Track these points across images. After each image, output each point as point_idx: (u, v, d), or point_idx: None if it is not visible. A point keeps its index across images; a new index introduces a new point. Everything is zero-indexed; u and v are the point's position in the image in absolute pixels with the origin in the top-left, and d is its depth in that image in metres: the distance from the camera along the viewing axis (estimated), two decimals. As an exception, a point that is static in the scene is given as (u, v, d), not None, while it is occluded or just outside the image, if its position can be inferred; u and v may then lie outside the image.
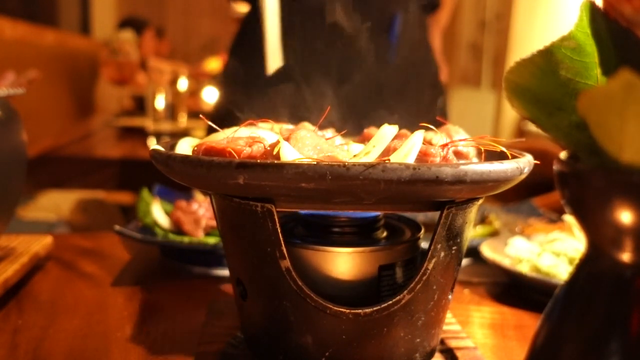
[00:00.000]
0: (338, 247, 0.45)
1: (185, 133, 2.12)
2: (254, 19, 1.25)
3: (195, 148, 0.45)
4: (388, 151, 0.44)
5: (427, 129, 0.49)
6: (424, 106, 0.69)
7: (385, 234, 0.50)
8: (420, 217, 0.82)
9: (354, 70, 0.75)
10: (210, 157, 0.41)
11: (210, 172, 0.40)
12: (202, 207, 0.81)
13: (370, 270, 0.45)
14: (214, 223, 0.78)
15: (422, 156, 0.43)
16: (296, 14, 1.12)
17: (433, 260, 0.43)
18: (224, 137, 0.46)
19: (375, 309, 0.42)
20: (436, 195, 0.40)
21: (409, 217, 0.54)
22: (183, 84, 2.29)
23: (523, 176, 0.43)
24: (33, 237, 0.79)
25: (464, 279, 0.76)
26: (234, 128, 0.50)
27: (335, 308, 0.42)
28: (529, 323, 0.64)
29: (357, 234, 0.48)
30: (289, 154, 0.41)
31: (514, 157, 0.45)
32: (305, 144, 0.43)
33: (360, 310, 0.42)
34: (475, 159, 0.50)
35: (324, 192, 0.38)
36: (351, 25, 1.17)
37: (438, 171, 0.37)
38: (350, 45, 1.13)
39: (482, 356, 0.51)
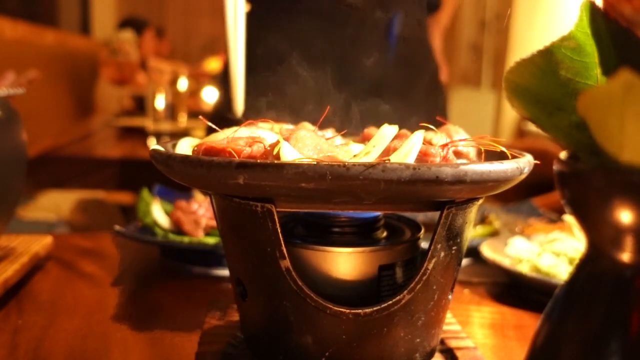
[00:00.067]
0: (338, 247, 0.45)
1: (185, 133, 2.12)
2: (254, 19, 1.25)
3: (195, 148, 0.45)
4: (388, 151, 0.44)
5: (427, 129, 0.49)
6: (424, 106, 0.69)
7: (385, 234, 0.50)
8: (420, 217, 0.82)
9: (354, 70, 0.75)
10: (210, 157, 0.41)
11: (210, 172, 0.40)
12: (202, 207, 0.81)
13: (370, 270, 0.45)
14: (214, 223, 0.78)
15: (422, 156, 0.43)
16: (296, 14, 1.12)
17: (433, 260, 0.43)
18: (224, 137, 0.46)
19: (375, 309, 0.42)
20: (436, 195, 0.40)
21: (409, 217, 0.54)
22: (183, 84, 2.29)
23: (523, 176, 0.43)
24: (33, 237, 0.79)
25: (464, 279, 0.76)
26: (234, 128, 0.50)
27: (335, 308, 0.42)
28: (529, 323, 0.64)
29: (357, 234, 0.48)
30: (289, 154, 0.41)
31: (514, 157, 0.45)
32: (305, 144, 0.43)
33: (360, 310, 0.42)
34: (475, 159, 0.50)
35: (324, 192, 0.38)
36: (351, 24, 1.17)
37: (438, 171, 0.37)
38: (350, 45, 1.13)
39: (482, 356, 0.51)
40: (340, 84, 0.71)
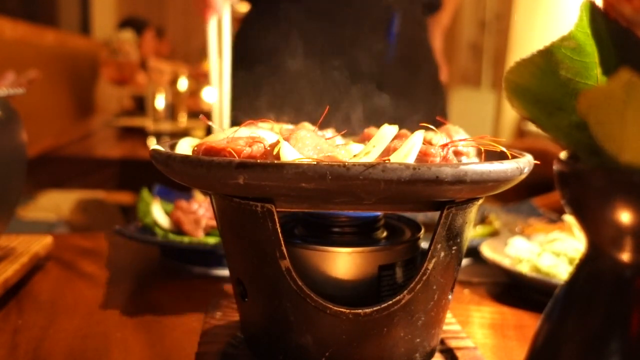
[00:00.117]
0: (338, 247, 0.45)
1: (185, 133, 2.12)
2: (254, 19, 1.25)
3: (195, 148, 0.45)
4: (388, 151, 0.44)
5: (427, 129, 0.49)
6: (423, 106, 0.69)
7: (385, 234, 0.50)
8: (420, 217, 0.82)
9: (354, 70, 0.75)
10: (210, 157, 0.41)
11: (210, 172, 0.40)
12: (202, 207, 0.81)
13: (370, 270, 0.45)
14: (214, 223, 0.78)
15: (422, 156, 0.43)
16: (296, 14, 1.12)
17: (433, 260, 0.43)
18: (224, 137, 0.46)
19: (375, 309, 0.42)
20: (436, 195, 0.40)
21: (409, 217, 0.54)
22: (183, 84, 2.30)
23: (523, 176, 0.43)
24: (33, 237, 0.79)
25: (464, 279, 0.76)
26: (234, 128, 0.50)
27: (335, 308, 0.42)
28: (529, 323, 0.64)
29: (357, 234, 0.48)
30: (289, 154, 0.41)
31: (514, 157, 0.45)
32: (305, 144, 0.43)
33: (360, 310, 0.42)
34: (475, 159, 0.50)
35: (324, 192, 0.38)
36: (350, 24, 1.17)
37: (438, 171, 0.37)
38: (350, 45, 1.13)
39: (482, 356, 0.51)
40: (340, 83, 0.71)
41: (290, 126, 0.56)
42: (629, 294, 0.26)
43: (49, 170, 1.77)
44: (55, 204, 1.95)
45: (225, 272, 0.75)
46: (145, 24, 3.57)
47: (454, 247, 0.44)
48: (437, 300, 0.45)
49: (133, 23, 3.48)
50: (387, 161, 0.38)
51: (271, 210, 0.41)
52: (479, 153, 0.50)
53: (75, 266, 0.78)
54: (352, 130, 0.57)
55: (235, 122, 0.95)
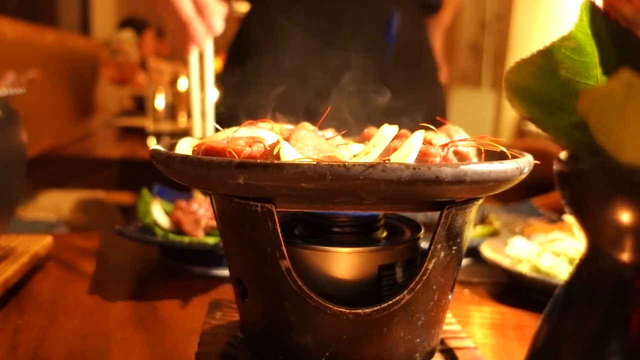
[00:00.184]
0: (338, 247, 0.45)
1: (185, 133, 2.12)
2: (254, 19, 1.25)
3: (195, 148, 0.45)
4: (388, 151, 0.44)
5: (427, 129, 0.49)
6: (423, 106, 0.69)
7: (385, 234, 0.50)
8: (420, 217, 0.82)
9: (354, 69, 0.75)
10: (210, 157, 0.41)
11: (210, 172, 0.40)
12: (202, 207, 0.81)
13: (370, 270, 0.45)
14: (214, 223, 0.78)
15: (422, 156, 0.43)
16: (295, 14, 1.12)
17: (433, 260, 0.43)
18: (224, 137, 0.46)
19: (375, 309, 0.42)
20: (436, 195, 0.40)
21: (409, 217, 0.54)
22: (183, 84, 2.29)
23: (523, 176, 0.43)
24: (33, 237, 0.79)
25: (464, 279, 0.76)
26: (234, 128, 0.50)
27: (335, 308, 0.42)
28: (529, 323, 0.64)
29: (357, 234, 0.48)
30: (289, 154, 0.41)
31: (514, 157, 0.45)
32: (305, 144, 0.43)
33: (360, 310, 0.42)
34: (475, 159, 0.50)
35: (324, 192, 0.38)
36: (350, 24, 1.17)
37: (438, 171, 0.37)
38: (350, 45, 1.13)
39: (482, 356, 0.51)
40: (339, 83, 0.71)
41: (290, 126, 0.56)
42: (629, 294, 0.26)
43: (49, 170, 1.77)
44: (55, 204, 1.95)
45: (225, 272, 0.75)
46: (145, 24, 3.57)
47: (454, 247, 0.45)
48: (437, 300, 0.45)
49: (133, 23, 3.48)
50: (387, 161, 0.38)
51: (271, 210, 0.41)
52: (479, 153, 0.50)
53: (75, 266, 0.78)
54: (352, 130, 0.57)
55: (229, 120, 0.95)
